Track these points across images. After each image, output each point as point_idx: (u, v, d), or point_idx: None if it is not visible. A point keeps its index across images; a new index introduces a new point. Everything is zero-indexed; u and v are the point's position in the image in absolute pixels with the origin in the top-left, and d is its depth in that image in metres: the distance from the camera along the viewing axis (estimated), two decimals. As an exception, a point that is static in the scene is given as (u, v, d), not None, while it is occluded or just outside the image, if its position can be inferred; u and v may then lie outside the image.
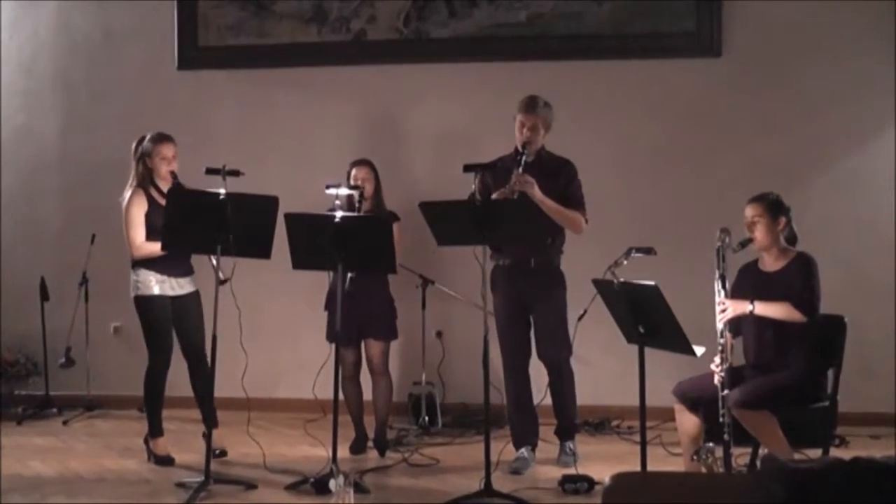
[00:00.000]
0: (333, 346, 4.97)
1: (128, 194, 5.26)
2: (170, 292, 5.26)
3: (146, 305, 5.24)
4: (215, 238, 4.74)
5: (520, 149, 5.06)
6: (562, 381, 5.27)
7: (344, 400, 5.47)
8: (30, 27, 6.90)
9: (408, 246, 5.56)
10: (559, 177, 5.19)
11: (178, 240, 4.92)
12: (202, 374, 5.20)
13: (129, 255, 5.25)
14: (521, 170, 4.95)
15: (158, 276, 5.23)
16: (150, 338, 5.28)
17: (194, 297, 5.29)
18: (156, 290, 5.23)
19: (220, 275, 4.92)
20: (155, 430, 5.36)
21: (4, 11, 6.90)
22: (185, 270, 5.30)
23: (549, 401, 5.31)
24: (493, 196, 4.87)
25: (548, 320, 5.21)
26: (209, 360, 4.95)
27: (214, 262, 4.91)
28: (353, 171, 5.49)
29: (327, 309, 5.40)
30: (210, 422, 5.06)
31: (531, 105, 5.15)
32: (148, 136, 5.28)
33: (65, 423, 6.27)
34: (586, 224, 5.21)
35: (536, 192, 4.97)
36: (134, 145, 5.31)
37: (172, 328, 5.31)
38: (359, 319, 5.36)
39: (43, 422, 6.33)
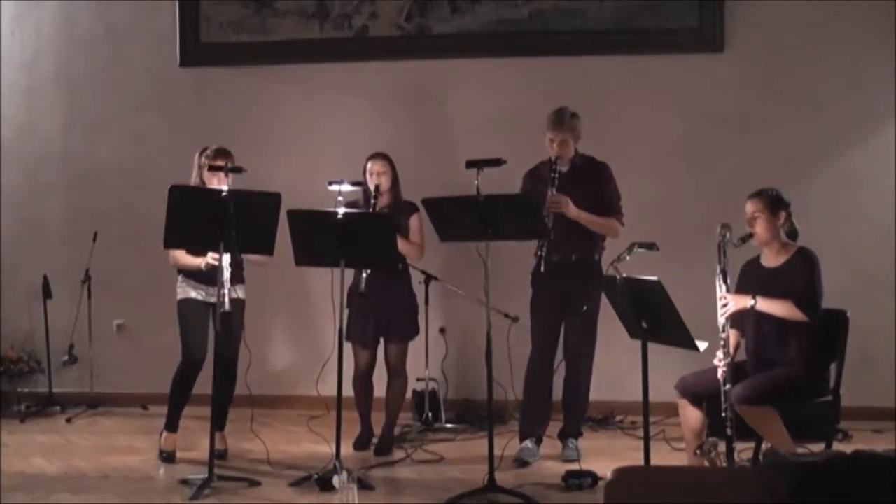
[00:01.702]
0: (337, 343, 4.96)
1: None
2: (210, 298, 5.23)
3: (181, 307, 5.30)
4: (218, 235, 4.73)
5: (553, 163, 5.11)
6: (579, 378, 5.29)
7: (354, 396, 5.49)
8: (32, 25, 6.90)
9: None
10: (593, 181, 5.23)
11: (180, 238, 4.92)
12: (226, 381, 5.16)
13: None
14: (554, 189, 5.02)
15: (196, 283, 5.25)
16: (182, 339, 5.31)
17: (236, 304, 5.16)
18: (192, 295, 5.27)
19: (226, 304, 4.92)
20: (168, 425, 5.38)
21: (6, 9, 6.90)
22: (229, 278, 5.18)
23: (556, 397, 5.32)
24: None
25: (580, 317, 5.21)
26: (219, 357, 4.99)
27: (226, 289, 4.93)
28: (369, 165, 5.43)
29: (348, 307, 5.36)
30: (218, 423, 5.05)
31: (559, 120, 5.18)
32: (210, 148, 5.27)
33: (68, 420, 6.28)
34: (622, 227, 5.24)
35: (571, 211, 5.04)
36: (197, 154, 5.31)
37: (207, 332, 5.30)
38: (380, 321, 5.37)
39: (46, 419, 6.34)
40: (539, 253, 5.01)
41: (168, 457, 5.31)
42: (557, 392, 5.38)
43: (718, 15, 6.19)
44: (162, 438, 5.38)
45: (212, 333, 5.30)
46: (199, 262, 5.13)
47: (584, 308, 5.15)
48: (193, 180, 5.28)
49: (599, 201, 5.19)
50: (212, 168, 5.05)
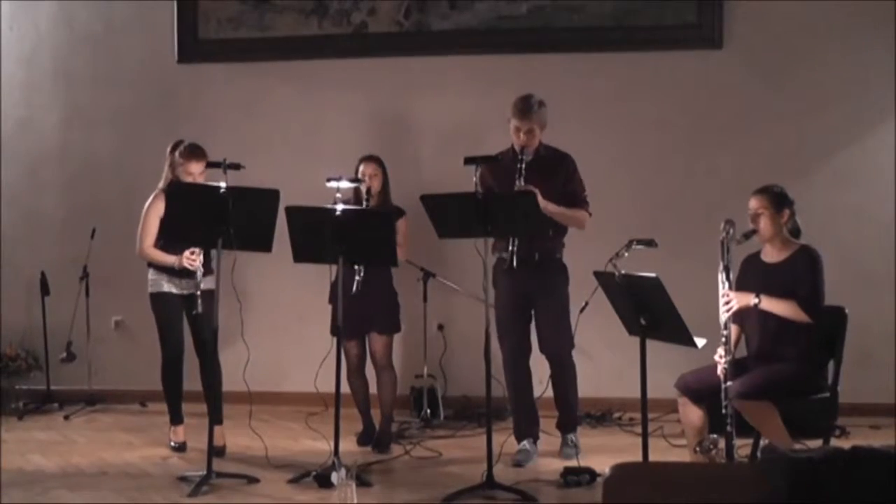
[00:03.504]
0: (335, 339, 4.98)
1: (151, 197, 5.33)
2: (182, 290, 5.31)
3: (155, 302, 5.36)
4: (216, 232, 4.74)
5: (517, 152, 5.05)
6: (564, 374, 5.27)
7: (351, 393, 5.50)
8: (30, 20, 6.88)
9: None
10: (559, 172, 5.18)
11: (178, 235, 4.94)
12: (211, 372, 5.22)
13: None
14: (522, 180, 4.94)
15: (168, 276, 5.30)
16: (159, 333, 5.39)
17: (208, 295, 5.18)
18: (165, 288, 5.32)
19: (202, 283, 5.11)
20: (172, 419, 5.49)
21: (4, 4, 6.89)
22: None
23: (550, 393, 5.32)
24: None
25: (550, 313, 5.20)
26: (198, 348, 5.17)
27: (199, 275, 5.11)
28: (361, 167, 5.46)
29: (331, 302, 5.39)
30: (214, 418, 5.07)
31: (526, 109, 5.06)
32: (183, 145, 5.30)
33: (66, 417, 6.27)
34: (590, 217, 5.21)
35: (539, 203, 4.93)
36: (169, 148, 5.36)
37: (181, 325, 5.39)
38: (363, 313, 5.36)
39: (44, 416, 6.33)
40: (511, 248, 4.98)
41: (180, 447, 5.42)
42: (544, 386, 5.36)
43: (717, 12, 6.18)
44: (171, 432, 5.47)
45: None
46: (172, 260, 5.20)
47: (586, 304, 5.14)
48: (165, 176, 5.34)
49: (565, 192, 5.15)
50: (210, 165, 5.06)
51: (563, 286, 5.21)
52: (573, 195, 5.17)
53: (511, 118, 5.09)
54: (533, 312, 5.24)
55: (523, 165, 4.98)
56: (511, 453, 5.15)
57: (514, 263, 4.97)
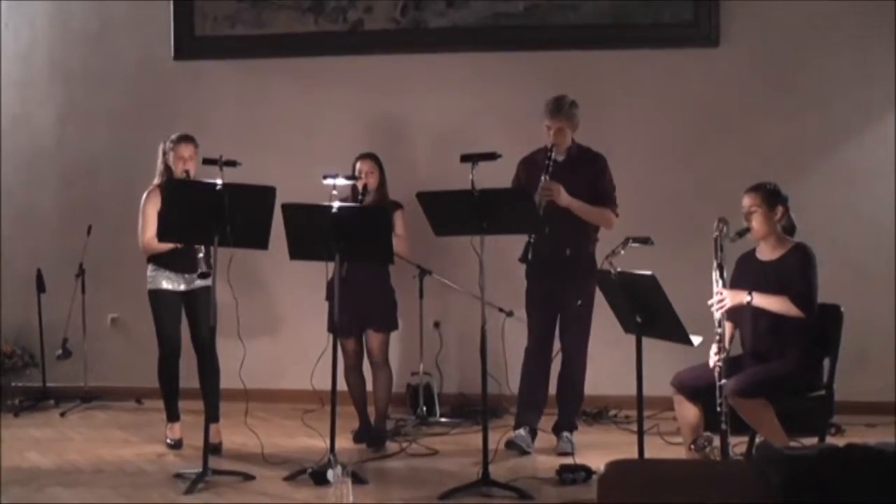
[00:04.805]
0: (331, 336, 4.98)
1: (146, 193, 5.35)
2: (180, 287, 5.33)
3: (153, 298, 5.37)
4: (213, 229, 4.74)
5: (548, 150, 5.11)
6: (572, 369, 5.30)
7: (347, 390, 5.51)
8: (26, 17, 6.87)
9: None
10: (589, 171, 5.24)
11: (174, 231, 4.94)
12: (209, 368, 5.24)
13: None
14: (548, 176, 5.02)
15: (167, 272, 5.32)
16: (156, 330, 5.40)
17: (206, 291, 5.18)
18: (163, 285, 5.33)
19: (203, 266, 5.09)
20: (168, 416, 5.50)
21: (1, 2, 6.88)
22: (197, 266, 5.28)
23: (551, 390, 5.33)
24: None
25: (575, 309, 5.21)
26: (196, 341, 5.19)
27: (200, 255, 5.08)
28: (358, 165, 5.49)
29: (328, 299, 5.40)
30: (211, 415, 5.08)
31: (556, 108, 5.20)
32: (174, 135, 5.35)
33: (62, 414, 6.27)
34: (616, 217, 5.24)
35: (563, 199, 5.03)
36: (162, 143, 5.38)
37: (179, 322, 5.39)
38: (360, 310, 5.36)
39: (40, 413, 6.33)
40: (529, 240, 5.01)
41: (176, 444, 5.43)
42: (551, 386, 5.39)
43: (714, 10, 6.19)
44: (167, 429, 5.49)
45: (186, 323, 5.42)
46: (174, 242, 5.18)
47: (579, 302, 5.16)
48: (158, 167, 5.37)
49: (594, 192, 5.20)
50: (206, 162, 5.05)
51: (593, 282, 5.10)
52: (602, 194, 5.22)
53: (543, 116, 5.22)
54: (560, 306, 5.26)
55: (551, 162, 5.06)
56: (506, 442, 5.18)
57: (530, 256, 5.00)
